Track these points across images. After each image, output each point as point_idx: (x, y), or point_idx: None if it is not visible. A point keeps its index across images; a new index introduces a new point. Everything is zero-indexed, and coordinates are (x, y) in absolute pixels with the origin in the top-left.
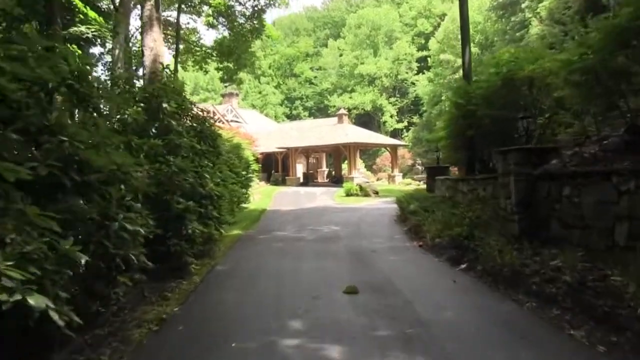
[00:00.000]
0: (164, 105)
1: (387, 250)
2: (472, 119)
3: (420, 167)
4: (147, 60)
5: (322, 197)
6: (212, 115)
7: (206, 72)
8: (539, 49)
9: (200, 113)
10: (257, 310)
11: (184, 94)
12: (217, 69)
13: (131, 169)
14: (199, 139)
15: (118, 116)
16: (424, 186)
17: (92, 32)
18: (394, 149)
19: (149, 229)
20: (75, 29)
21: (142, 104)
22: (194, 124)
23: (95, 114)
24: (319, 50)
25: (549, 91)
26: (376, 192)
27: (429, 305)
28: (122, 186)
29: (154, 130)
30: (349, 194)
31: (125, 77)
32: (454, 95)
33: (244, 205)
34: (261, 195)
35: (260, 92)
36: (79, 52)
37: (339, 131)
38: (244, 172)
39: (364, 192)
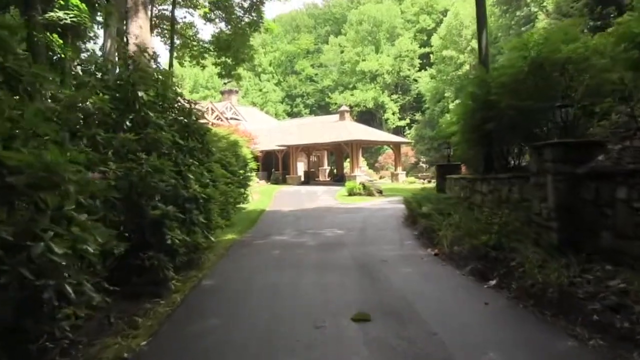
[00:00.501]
0: (140, 94)
1: (400, 259)
2: (492, 111)
3: (424, 165)
4: (132, 48)
5: (324, 196)
6: (204, 109)
7: (203, 67)
8: (575, 27)
9: (187, 105)
10: (244, 347)
11: (170, 83)
12: (215, 64)
13: (71, 169)
14: (184, 135)
15: (80, 104)
16: (430, 185)
17: (70, 17)
18: (397, 146)
19: (98, 247)
20: (52, 14)
21: (115, 93)
22: (180, 117)
23: (29, 98)
24: (320, 47)
25: (586, 78)
26: (380, 191)
27: (462, 341)
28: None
29: (128, 124)
30: (351, 193)
31: (95, 61)
32: (469, 85)
33: (242, 205)
34: (260, 195)
35: (260, 90)
36: (60, 41)
37: (341, 128)
38: (241, 171)
39: (367, 191)
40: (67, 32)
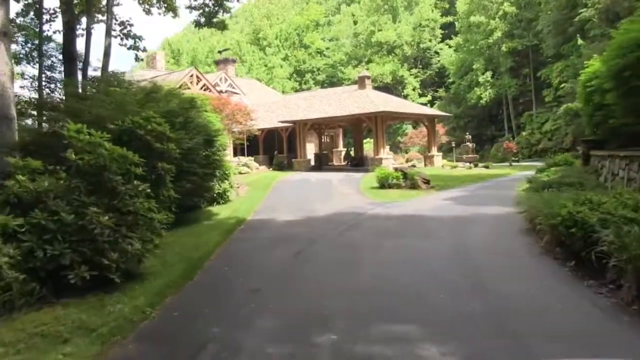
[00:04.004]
0: None
1: None
2: None
3: (470, 145)
4: None
5: (344, 189)
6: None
7: (175, 14)
8: None
9: None
10: None
11: None
12: (190, 7)
13: None
14: None
15: None
16: (488, 170)
17: None
18: (431, 121)
19: None
20: None
21: None
22: None
23: None
24: (331, 20)
25: None
26: (427, 182)
27: None
28: None
29: None
30: (384, 184)
31: None
32: None
33: (212, 208)
34: (252, 188)
35: (266, 65)
36: None
37: (362, 98)
38: (204, 153)
39: (410, 181)
40: None
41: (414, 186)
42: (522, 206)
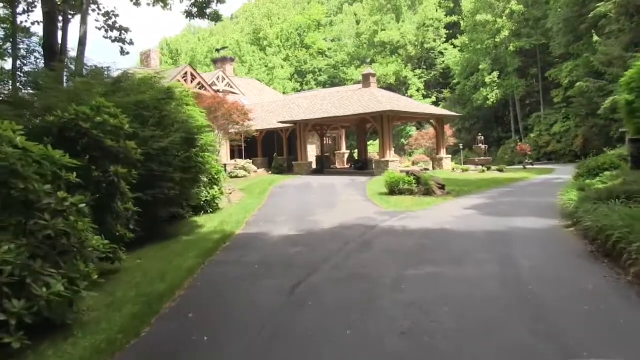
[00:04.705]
0: None
1: None
2: None
3: (482, 146)
4: None
5: (349, 195)
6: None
7: (165, 4)
8: None
9: None
10: None
11: None
12: None
13: None
14: None
15: None
16: (499, 173)
17: None
18: (439, 122)
19: None
20: None
21: None
22: None
23: None
24: (333, 20)
25: None
26: (442, 187)
27: None
28: None
29: None
30: (394, 189)
31: None
32: None
33: (197, 219)
34: (246, 194)
35: (266, 66)
36: None
37: (366, 97)
38: (184, 154)
39: (424, 186)
40: None
41: (427, 192)
42: (586, 221)
